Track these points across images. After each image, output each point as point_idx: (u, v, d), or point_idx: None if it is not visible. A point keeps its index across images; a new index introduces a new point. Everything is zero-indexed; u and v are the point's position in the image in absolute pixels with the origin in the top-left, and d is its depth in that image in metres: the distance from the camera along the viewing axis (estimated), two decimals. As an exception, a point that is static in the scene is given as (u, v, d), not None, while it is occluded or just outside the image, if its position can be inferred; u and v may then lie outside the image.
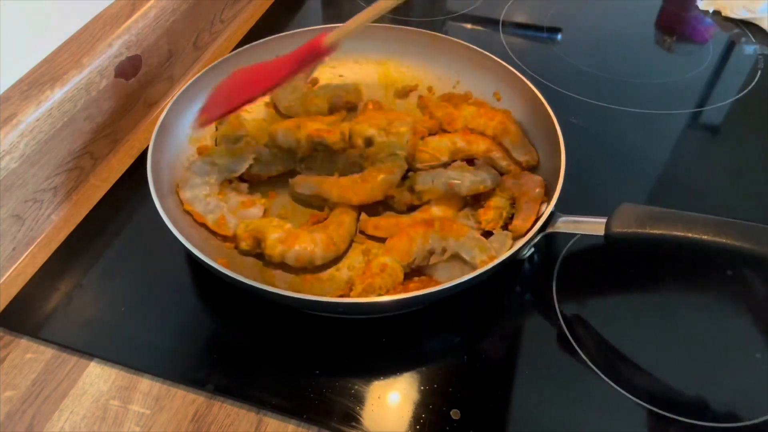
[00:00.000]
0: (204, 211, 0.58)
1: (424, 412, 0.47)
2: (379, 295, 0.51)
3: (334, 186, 0.59)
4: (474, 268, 0.52)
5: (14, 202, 0.56)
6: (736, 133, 0.73)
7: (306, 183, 0.60)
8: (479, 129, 0.66)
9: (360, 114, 0.67)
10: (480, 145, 0.64)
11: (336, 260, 0.57)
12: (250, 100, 0.58)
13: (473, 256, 0.53)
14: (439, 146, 0.63)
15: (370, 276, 0.51)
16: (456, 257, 0.54)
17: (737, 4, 0.89)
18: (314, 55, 0.56)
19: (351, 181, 0.60)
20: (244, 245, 0.55)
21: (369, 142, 0.62)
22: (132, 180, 0.66)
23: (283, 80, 0.57)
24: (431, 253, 0.55)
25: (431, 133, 0.66)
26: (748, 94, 0.77)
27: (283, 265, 0.55)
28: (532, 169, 0.62)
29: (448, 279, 0.53)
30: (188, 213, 0.58)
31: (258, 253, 0.56)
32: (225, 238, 0.58)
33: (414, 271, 0.55)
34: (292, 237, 0.54)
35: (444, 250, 0.54)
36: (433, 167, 0.62)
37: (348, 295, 0.52)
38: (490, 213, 0.57)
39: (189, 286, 0.56)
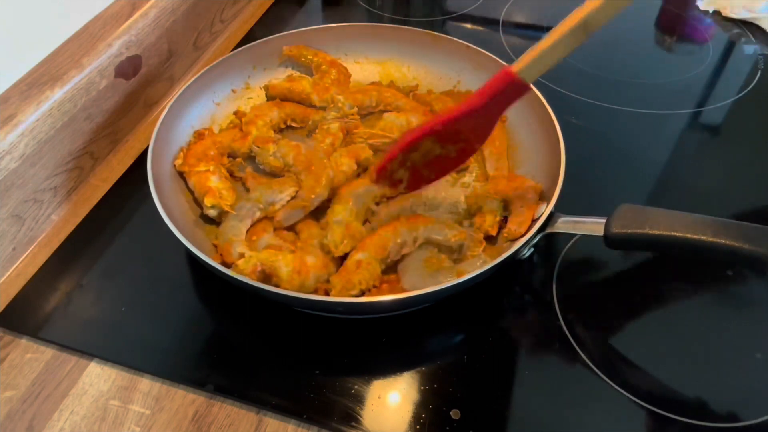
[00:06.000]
0: (222, 240, 0.55)
1: (424, 412, 0.47)
2: (361, 291, 0.51)
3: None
4: (450, 247, 0.53)
5: (14, 202, 0.56)
6: (736, 133, 0.73)
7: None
8: None
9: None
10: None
11: None
12: (416, 139, 0.51)
13: (444, 234, 0.53)
14: (392, 125, 0.65)
15: (347, 273, 0.51)
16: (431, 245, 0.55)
17: (737, 4, 0.89)
18: (505, 93, 0.48)
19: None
20: (254, 278, 0.51)
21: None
22: (132, 180, 0.66)
23: (458, 120, 0.49)
24: (403, 245, 0.55)
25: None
26: (748, 94, 0.77)
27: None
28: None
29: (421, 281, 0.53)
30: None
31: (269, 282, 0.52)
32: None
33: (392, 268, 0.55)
34: (303, 264, 0.52)
35: (415, 240, 0.55)
36: (385, 144, 0.65)
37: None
38: (488, 218, 0.57)
39: (189, 286, 0.56)
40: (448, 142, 0.52)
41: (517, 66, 0.48)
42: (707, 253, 0.46)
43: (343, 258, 0.55)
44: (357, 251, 0.53)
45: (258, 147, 0.63)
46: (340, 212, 0.57)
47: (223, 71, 0.70)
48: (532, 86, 0.51)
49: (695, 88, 0.79)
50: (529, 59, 0.47)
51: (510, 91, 0.49)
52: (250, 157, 0.64)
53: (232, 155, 0.65)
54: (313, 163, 0.61)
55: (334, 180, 0.60)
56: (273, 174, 0.63)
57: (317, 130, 0.66)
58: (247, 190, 0.61)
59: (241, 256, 0.53)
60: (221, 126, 0.69)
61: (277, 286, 0.51)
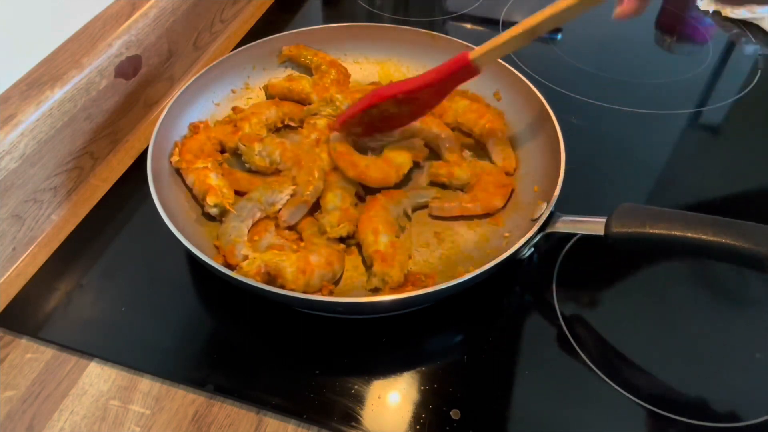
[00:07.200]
0: (225, 241, 0.55)
1: (424, 412, 0.47)
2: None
3: (350, 166, 0.60)
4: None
5: (14, 202, 0.56)
6: (736, 133, 0.73)
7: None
8: (468, 124, 0.67)
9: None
10: (432, 129, 0.65)
11: None
12: (379, 101, 0.59)
13: (427, 196, 0.61)
14: None
15: (391, 259, 0.53)
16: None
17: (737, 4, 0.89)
18: (458, 73, 0.57)
19: (370, 161, 0.61)
20: (259, 279, 0.51)
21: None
22: (132, 180, 0.66)
23: (417, 90, 0.58)
24: (398, 217, 0.59)
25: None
26: (748, 94, 0.77)
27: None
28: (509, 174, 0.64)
29: None
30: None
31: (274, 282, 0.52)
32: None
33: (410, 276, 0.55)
34: (307, 264, 0.52)
35: (405, 212, 0.60)
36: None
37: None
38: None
39: (189, 286, 0.56)
40: (402, 105, 0.60)
41: (474, 54, 0.56)
42: (707, 252, 0.46)
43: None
44: (376, 235, 0.55)
45: (244, 145, 0.62)
46: (332, 200, 0.58)
47: (222, 71, 0.70)
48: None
49: (695, 88, 0.79)
50: (485, 50, 0.55)
51: (464, 73, 0.57)
52: (239, 153, 0.64)
53: (221, 150, 0.65)
54: (301, 157, 0.61)
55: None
56: (260, 174, 0.63)
57: (304, 125, 0.66)
58: None
59: (246, 257, 0.53)
60: (219, 125, 0.69)
61: (282, 286, 0.51)
